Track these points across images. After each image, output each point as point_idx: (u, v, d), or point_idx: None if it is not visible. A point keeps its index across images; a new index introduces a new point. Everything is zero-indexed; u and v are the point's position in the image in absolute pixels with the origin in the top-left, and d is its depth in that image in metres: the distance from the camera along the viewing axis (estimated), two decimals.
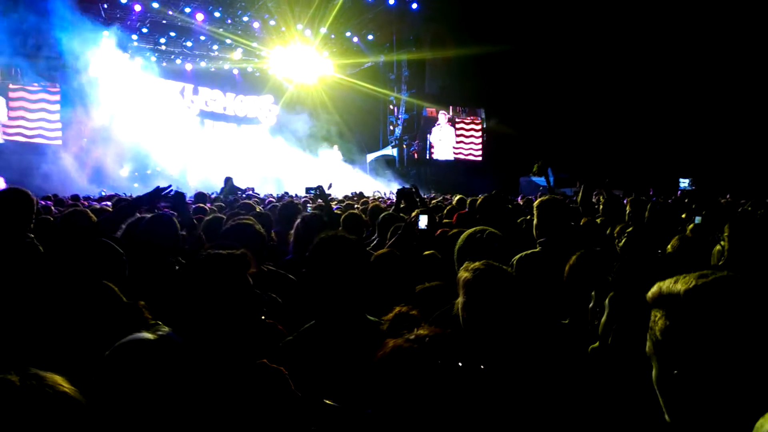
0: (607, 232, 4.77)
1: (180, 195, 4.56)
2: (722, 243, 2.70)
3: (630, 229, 3.86)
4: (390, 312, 2.33)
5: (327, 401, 1.90)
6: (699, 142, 23.72)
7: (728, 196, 13.51)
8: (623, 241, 3.61)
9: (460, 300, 2.52)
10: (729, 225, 2.68)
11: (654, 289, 1.22)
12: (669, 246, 3.54)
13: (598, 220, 5.15)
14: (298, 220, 4.29)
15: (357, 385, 1.98)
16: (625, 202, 7.32)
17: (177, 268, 3.87)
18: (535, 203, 3.78)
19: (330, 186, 21.54)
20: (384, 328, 2.21)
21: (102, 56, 23.09)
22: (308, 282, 2.58)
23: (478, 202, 5.29)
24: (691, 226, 4.58)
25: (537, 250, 3.62)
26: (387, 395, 1.52)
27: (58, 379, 1.29)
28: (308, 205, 8.79)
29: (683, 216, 6.63)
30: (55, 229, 5.28)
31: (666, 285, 1.20)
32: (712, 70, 23.45)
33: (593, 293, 2.50)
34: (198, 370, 1.90)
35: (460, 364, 1.50)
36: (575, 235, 3.91)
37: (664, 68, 24.55)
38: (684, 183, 21.63)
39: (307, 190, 9.27)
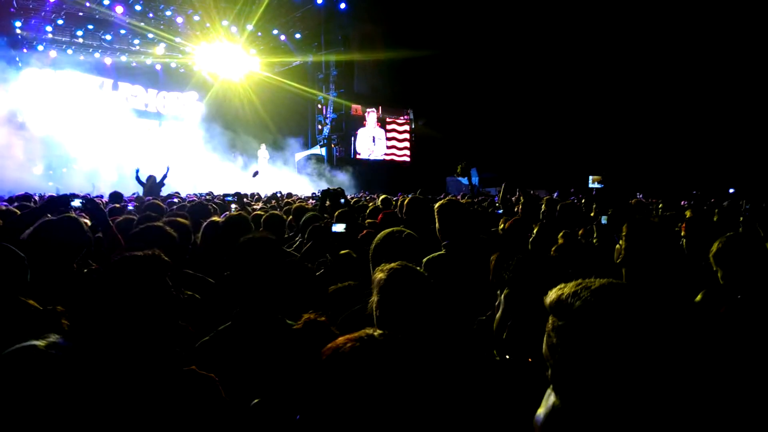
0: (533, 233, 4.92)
1: (92, 201, 4.44)
2: (621, 242, 2.85)
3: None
4: (299, 318, 2.33)
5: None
6: (612, 140, 24.86)
7: (640, 195, 14.19)
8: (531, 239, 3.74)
9: (374, 299, 2.55)
10: (627, 225, 2.83)
11: (551, 295, 1.27)
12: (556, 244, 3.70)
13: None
14: (208, 222, 4.25)
15: (277, 385, 1.99)
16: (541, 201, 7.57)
17: (86, 271, 3.75)
18: (435, 206, 3.83)
19: (256, 174, 21.32)
20: (293, 332, 2.21)
21: (14, 47, 21.93)
22: (229, 282, 2.56)
23: (405, 202, 5.34)
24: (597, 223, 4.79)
25: (442, 252, 3.68)
26: (335, 395, 1.47)
27: None
28: (233, 205, 8.64)
29: (592, 215, 6.93)
30: None
31: (558, 292, 1.25)
32: (627, 70, 24.59)
33: (498, 292, 2.59)
34: (104, 378, 1.80)
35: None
36: (477, 236, 4.01)
37: (580, 68, 25.56)
38: (593, 183, 22.68)
39: (225, 196, 9.13)
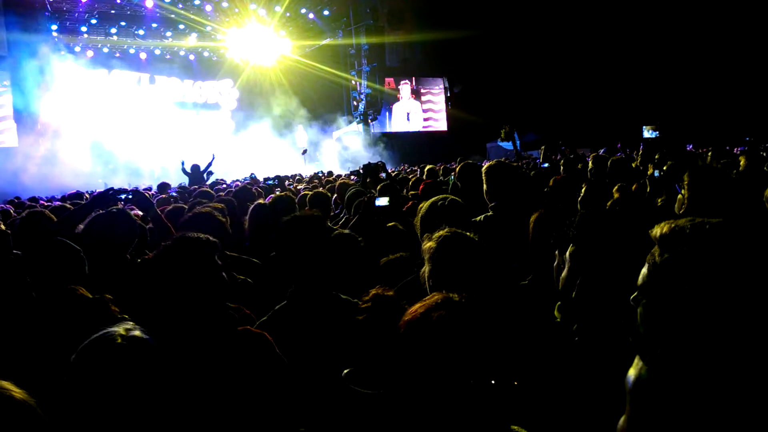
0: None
1: (139, 193, 4.54)
2: (683, 192, 2.72)
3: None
4: (366, 294, 2.31)
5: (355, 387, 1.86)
6: (664, 89, 23.91)
7: (689, 147, 13.73)
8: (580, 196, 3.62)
9: (426, 269, 2.51)
10: (689, 174, 2.70)
11: (663, 227, 1.21)
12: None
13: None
14: (255, 205, 4.28)
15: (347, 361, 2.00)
16: (588, 159, 7.37)
17: (139, 261, 3.82)
18: (483, 169, 3.80)
19: (305, 152, 21.52)
20: (362, 309, 2.20)
21: (52, 50, 22.47)
22: (277, 262, 2.58)
23: (458, 168, 5.34)
24: (650, 172, 4.63)
25: (489, 214, 3.64)
26: (419, 364, 1.47)
27: (5, 384, 1.26)
28: (276, 189, 8.71)
29: (650, 169, 6.68)
30: (15, 232, 5.22)
31: (671, 224, 1.20)
32: (673, 21, 23.58)
33: (557, 252, 2.50)
34: (176, 360, 1.88)
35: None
36: (525, 196, 3.95)
37: (623, 21, 24.63)
38: (647, 132, 21.86)
39: (266, 180, 9.18)
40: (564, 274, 2.06)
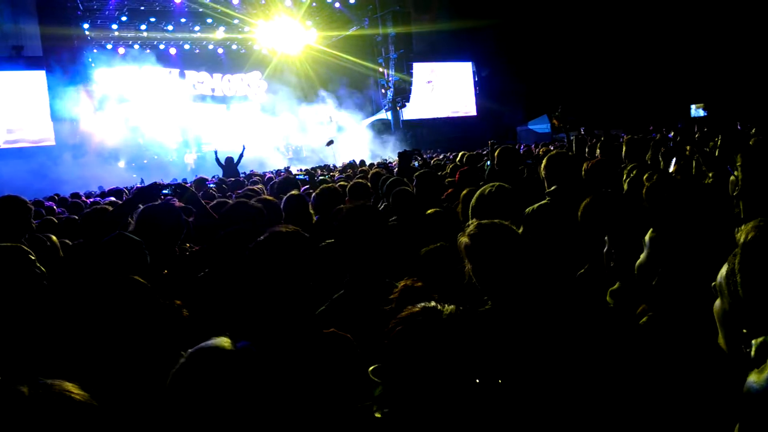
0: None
1: (182, 186, 4.61)
2: (736, 173, 2.67)
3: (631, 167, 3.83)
4: (397, 285, 2.32)
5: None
6: (710, 65, 23.03)
7: (737, 124, 13.37)
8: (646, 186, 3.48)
9: (467, 266, 2.40)
10: (741, 155, 2.65)
11: (749, 234, 1.26)
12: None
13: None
14: (288, 196, 4.36)
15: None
16: (623, 140, 7.26)
17: (187, 253, 3.90)
18: (544, 162, 3.80)
19: (330, 142, 21.62)
20: (393, 300, 2.21)
21: (85, 48, 22.92)
22: (335, 250, 2.62)
23: (496, 153, 5.38)
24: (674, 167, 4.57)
25: (545, 201, 3.63)
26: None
27: (69, 386, 1.27)
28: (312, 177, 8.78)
29: (684, 147, 6.55)
30: (76, 228, 5.39)
31: (757, 233, 1.24)
32: None
33: (606, 237, 2.48)
34: (275, 367, 1.81)
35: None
36: (583, 185, 3.93)
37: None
38: (696, 110, 21.10)
39: (296, 176, 9.17)
40: (642, 260, 2.01)
